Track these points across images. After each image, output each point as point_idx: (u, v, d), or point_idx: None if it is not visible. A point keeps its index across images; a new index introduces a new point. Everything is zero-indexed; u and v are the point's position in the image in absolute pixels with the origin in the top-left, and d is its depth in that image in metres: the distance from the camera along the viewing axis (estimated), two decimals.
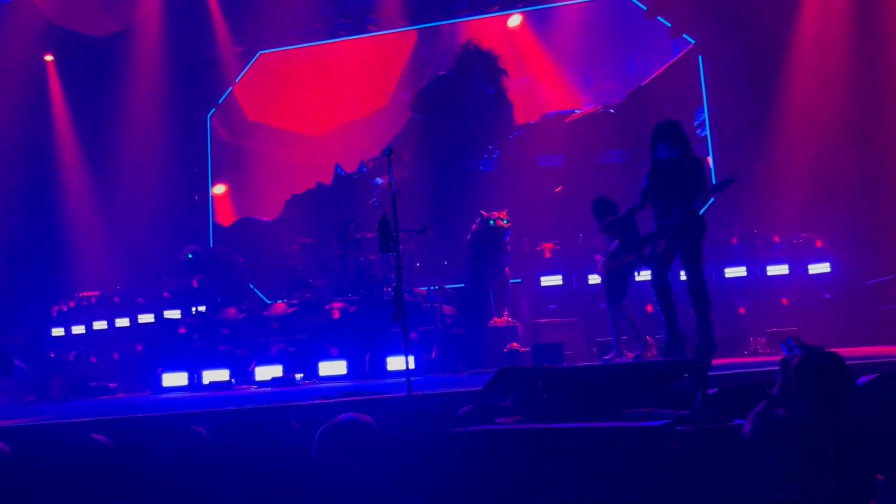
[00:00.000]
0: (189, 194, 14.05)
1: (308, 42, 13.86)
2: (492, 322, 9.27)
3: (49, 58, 13.71)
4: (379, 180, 12.93)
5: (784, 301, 9.60)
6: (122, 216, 13.15)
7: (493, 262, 9.49)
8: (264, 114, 14.33)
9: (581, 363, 7.82)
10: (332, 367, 9.20)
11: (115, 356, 11.24)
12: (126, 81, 13.28)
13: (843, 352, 3.39)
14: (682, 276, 6.28)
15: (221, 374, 9.36)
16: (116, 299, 11.88)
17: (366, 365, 9.08)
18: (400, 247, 5.94)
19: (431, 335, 9.23)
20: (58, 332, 11.89)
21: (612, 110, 12.45)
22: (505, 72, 12.95)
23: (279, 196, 13.78)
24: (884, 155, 10.17)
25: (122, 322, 11.67)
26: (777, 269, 9.81)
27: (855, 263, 9.67)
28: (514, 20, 13.22)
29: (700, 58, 11.93)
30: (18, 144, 12.59)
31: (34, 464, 4.43)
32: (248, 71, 14.09)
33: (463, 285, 10.16)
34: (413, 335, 8.83)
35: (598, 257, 10.25)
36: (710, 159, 11.65)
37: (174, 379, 9.57)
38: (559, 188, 12.32)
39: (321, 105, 13.72)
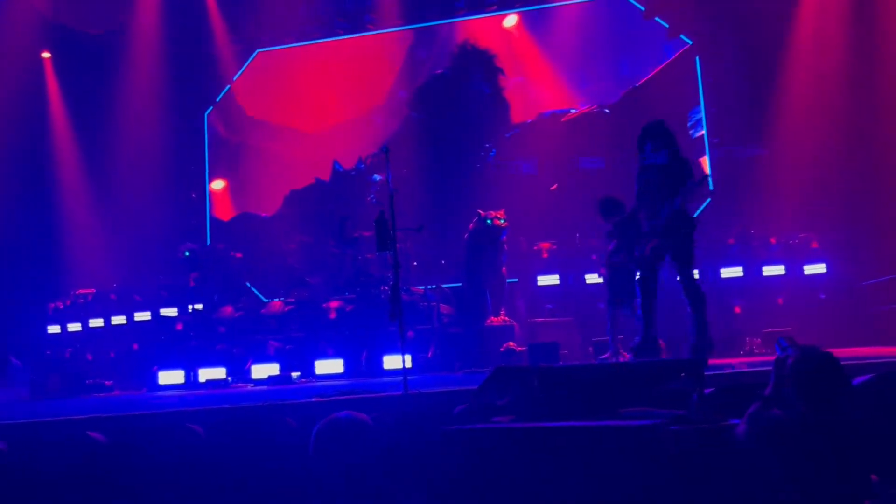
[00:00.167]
0: (186, 192, 14.03)
1: (306, 41, 13.86)
2: (488, 321, 9.27)
3: (46, 54, 13.68)
4: (377, 177, 12.93)
5: (780, 301, 9.62)
6: (119, 213, 13.13)
7: (490, 262, 9.49)
8: (263, 110, 14.32)
9: (577, 363, 7.82)
10: (329, 366, 9.20)
11: (112, 354, 11.22)
12: (123, 78, 13.25)
13: (839, 352, 3.40)
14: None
15: (218, 373, 9.36)
16: (113, 296, 11.86)
17: (362, 363, 9.09)
18: (397, 245, 5.94)
19: (428, 334, 9.24)
20: (54, 329, 11.87)
21: (607, 110, 12.48)
22: (502, 71, 12.97)
23: (278, 192, 13.79)
24: (882, 156, 10.18)
25: (119, 319, 11.65)
26: (773, 270, 9.83)
27: (850, 264, 9.69)
28: (510, 20, 13.23)
29: (697, 58, 11.95)
30: (15, 141, 12.57)
31: (30, 461, 4.43)
32: (247, 68, 14.09)
33: (460, 284, 10.16)
34: (410, 334, 8.83)
35: (594, 257, 10.31)
36: (706, 159, 11.67)
37: (170, 377, 9.56)
38: (555, 186, 12.34)
39: (320, 101, 13.70)
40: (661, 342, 6.45)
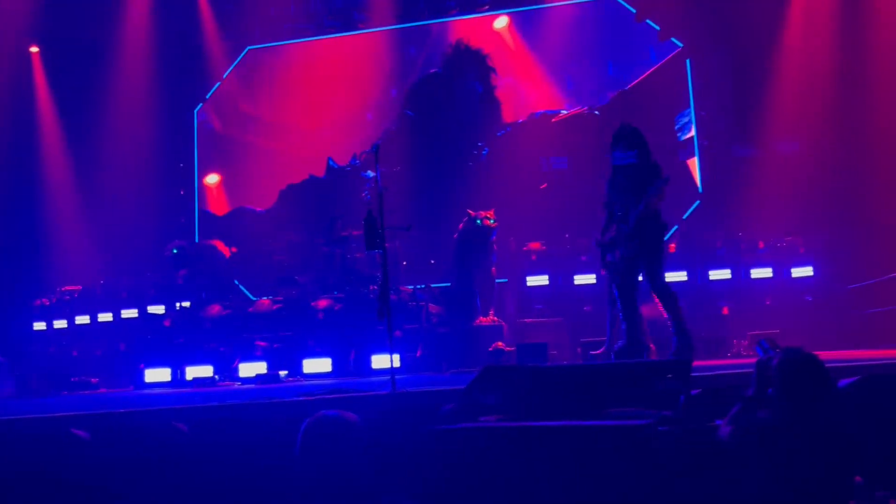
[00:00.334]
0: (175, 188, 13.96)
1: (296, 39, 13.84)
2: (477, 321, 9.27)
3: (34, 49, 13.57)
4: (371, 173, 12.93)
5: (767, 303, 9.69)
6: (107, 209, 13.03)
7: (480, 262, 9.50)
8: (257, 106, 14.29)
9: (565, 362, 7.83)
10: (317, 365, 9.17)
11: (98, 352, 11.14)
12: (112, 74, 13.15)
13: (825, 354, 3.42)
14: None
15: (205, 371, 9.31)
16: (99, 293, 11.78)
17: (350, 362, 9.06)
18: (386, 244, 5.92)
19: (417, 334, 9.22)
20: (39, 326, 11.77)
21: (596, 112, 12.52)
22: (494, 70, 12.98)
23: (273, 187, 13.76)
24: (870, 160, 10.26)
25: (105, 317, 11.57)
26: (761, 273, 9.89)
27: (837, 267, 9.77)
28: (500, 22, 13.25)
29: (688, 61, 11.99)
30: (1, 136, 12.46)
31: (12, 458, 4.39)
32: (239, 63, 14.04)
33: (449, 284, 10.16)
34: (398, 333, 8.82)
35: (583, 258, 10.33)
36: (695, 160, 11.73)
37: (157, 375, 9.51)
38: (544, 185, 12.37)
39: (313, 98, 13.67)
40: (651, 345, 6.46)
